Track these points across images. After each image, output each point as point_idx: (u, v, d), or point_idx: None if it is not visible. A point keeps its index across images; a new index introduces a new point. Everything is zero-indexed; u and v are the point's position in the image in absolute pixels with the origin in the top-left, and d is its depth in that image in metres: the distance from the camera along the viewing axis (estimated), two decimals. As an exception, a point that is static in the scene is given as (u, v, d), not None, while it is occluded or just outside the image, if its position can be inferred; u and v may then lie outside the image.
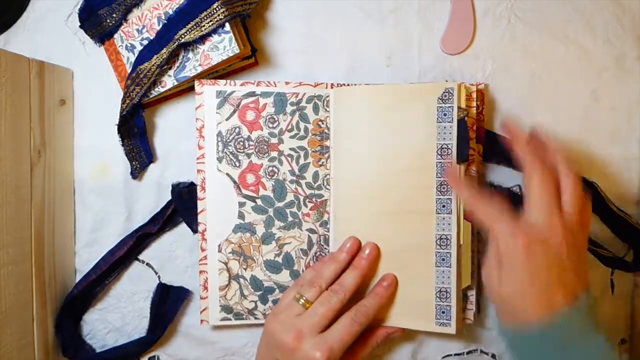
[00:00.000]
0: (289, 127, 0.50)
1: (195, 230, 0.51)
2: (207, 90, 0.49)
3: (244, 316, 0.50)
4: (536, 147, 0.45)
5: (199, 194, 0.49)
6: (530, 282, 0.40)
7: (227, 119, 0.49)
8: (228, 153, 0.50)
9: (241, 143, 0.50)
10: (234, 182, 0.50)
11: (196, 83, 0.49)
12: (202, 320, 0.50)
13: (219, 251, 0.50)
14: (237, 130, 0.50)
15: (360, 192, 0.49)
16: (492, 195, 0.44)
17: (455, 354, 0.54)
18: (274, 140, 0.50)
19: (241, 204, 0.50)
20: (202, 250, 0.50)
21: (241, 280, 0.50)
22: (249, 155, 0.50)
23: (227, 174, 0.50)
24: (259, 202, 0.50)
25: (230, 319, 0.50)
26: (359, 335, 0.46)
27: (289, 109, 0.50)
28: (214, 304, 0.50)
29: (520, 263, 0.40)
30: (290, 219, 0.50)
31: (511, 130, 0.46)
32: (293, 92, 0.50)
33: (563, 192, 0.43)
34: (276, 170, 0.50)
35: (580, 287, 0.41)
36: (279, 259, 0.50)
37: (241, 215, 0.50)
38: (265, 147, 0.50)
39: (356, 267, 0.47)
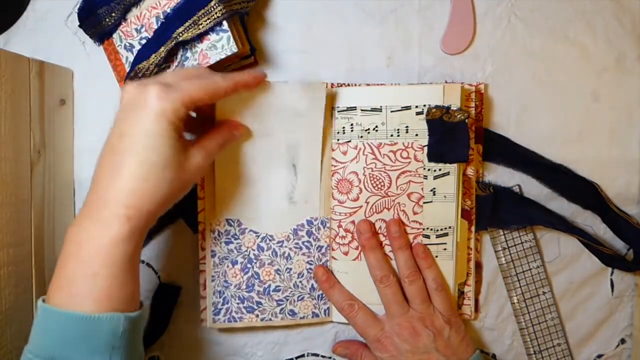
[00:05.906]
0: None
1: (195, 230, 0.51)
2: None
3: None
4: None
5: (199, 193, 0.49)
6: None
7: None
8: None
9: None
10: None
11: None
12: (202, 320, 0.50)
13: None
14: None
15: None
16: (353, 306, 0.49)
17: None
18: None
19: None
20: (202, 249, 0.50)
21: None
22: None
23: None
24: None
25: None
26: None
27: None
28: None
29: None
30: None
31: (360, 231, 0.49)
32: None
33: (405, 291, 0.48)
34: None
35: None
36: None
37: None
38: None
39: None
